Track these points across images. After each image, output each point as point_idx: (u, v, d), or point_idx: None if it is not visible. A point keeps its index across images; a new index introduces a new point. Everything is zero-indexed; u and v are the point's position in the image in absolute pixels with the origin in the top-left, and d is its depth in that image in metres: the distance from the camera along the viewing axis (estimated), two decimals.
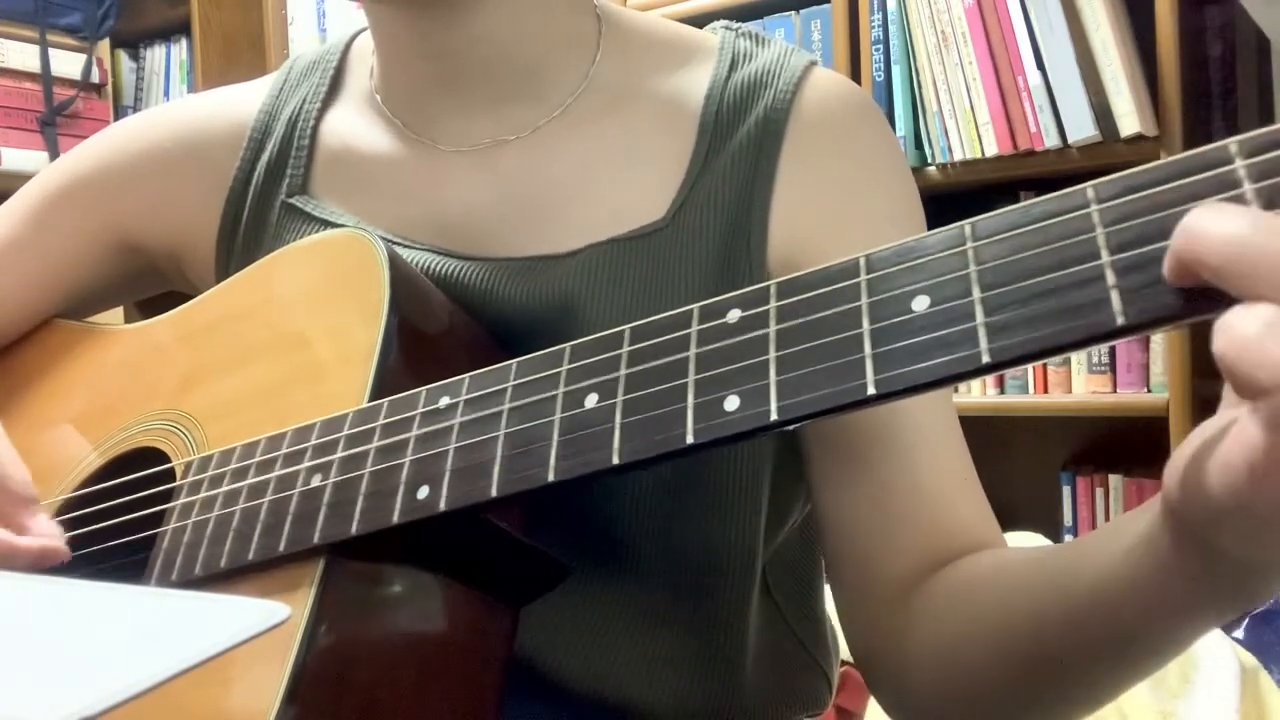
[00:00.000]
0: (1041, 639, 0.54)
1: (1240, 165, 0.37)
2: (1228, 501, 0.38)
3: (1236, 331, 0.34)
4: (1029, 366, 2.01)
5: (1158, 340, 1.90)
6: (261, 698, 0.52)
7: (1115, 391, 1.95)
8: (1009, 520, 1.82)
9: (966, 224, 0.43)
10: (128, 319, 0.89)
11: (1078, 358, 1.98)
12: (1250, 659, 1.38)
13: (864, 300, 0.44)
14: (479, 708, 0.59)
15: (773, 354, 0.45)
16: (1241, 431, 0.36)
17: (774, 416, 0.44)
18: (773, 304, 0.47)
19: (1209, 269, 0.35)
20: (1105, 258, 0.39)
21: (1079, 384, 1.98)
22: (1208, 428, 0.40)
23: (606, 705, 0.69)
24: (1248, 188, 0.36)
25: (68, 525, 0.68)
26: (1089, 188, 0.40)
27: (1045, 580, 0.54)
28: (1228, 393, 0.40)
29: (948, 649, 0.60)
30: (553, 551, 0.60)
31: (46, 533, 0.65)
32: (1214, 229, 0.35)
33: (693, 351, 0.48)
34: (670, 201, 0.69)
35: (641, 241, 0.68)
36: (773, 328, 0.46)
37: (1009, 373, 2.03)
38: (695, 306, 0.49)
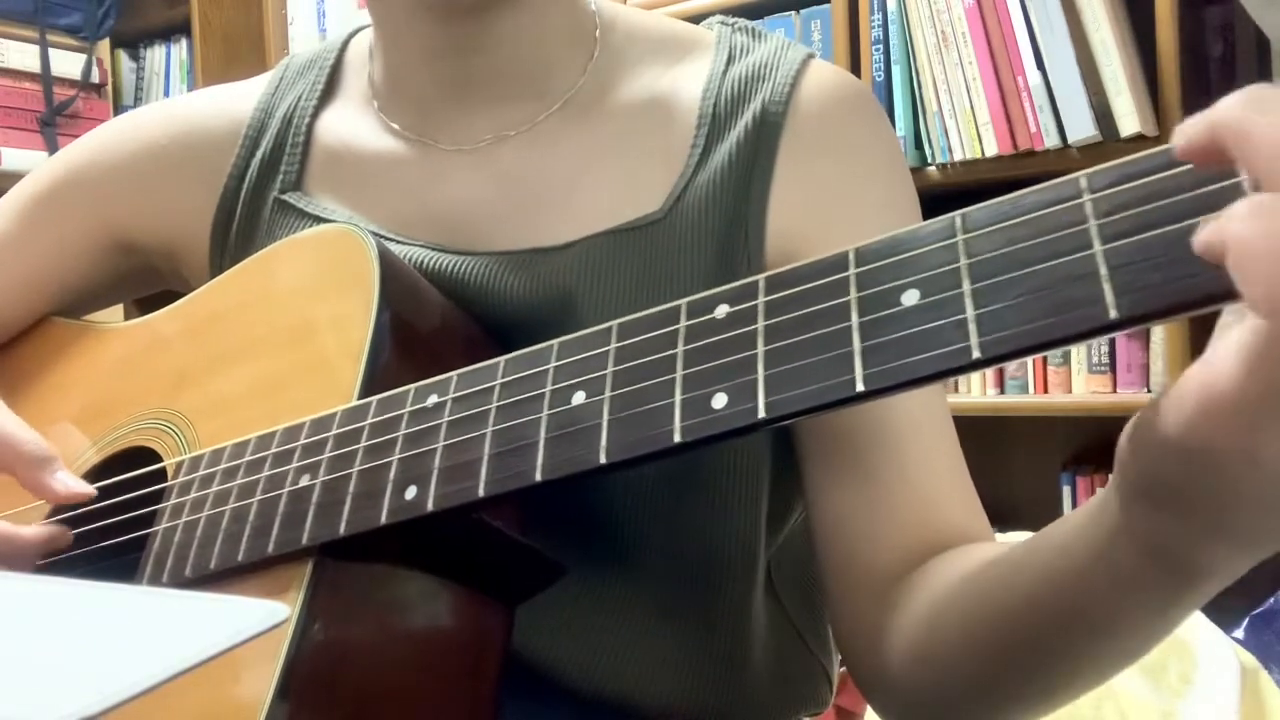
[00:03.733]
0: (1006, 622, 0.53)
1: None
2: (1176, 438, 0.38)
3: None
4: (1029, 366, 2.01)
5: (1158, 340, 1.90)
6: (252, 698, 0.51)
7: (1115, 391, 1.95)
8: (1009, 520, 1.81)
9: (957, 215, 0.43)
10: (127, 317, 0.89)
11: (1078, 357, 1.97)
12: (1250, 659, 1.37)
13: (853, 294, 0.44)
14: (474, 708, 0.59)
15: (761, 349, 0.45)
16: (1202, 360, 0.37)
17: (762, 414, 0.44)
18: (761, 299, 0.46)
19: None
20: (1098, 249, 0.38)
21: (1079, 384, 1.98)
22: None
23: (607, 703, 0.69)
24: (1244, 175, 0.36)
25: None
26: (1081, 177, 0.40)
27: (1009, 566, 0.54)
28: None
29: (925, 639, 0.60)
30: (547, 550, 0.59)
31: (73, 489, 0.65)
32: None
33: (680, 348, 0.47)
34: (667, 194, 0.69)
35: (639, 233, 0.68)
36: (761, 323, 0.46)
37: (1009, 372, 2.03)
38: (683, 302, 0.49)
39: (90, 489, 0.66)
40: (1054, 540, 0.50)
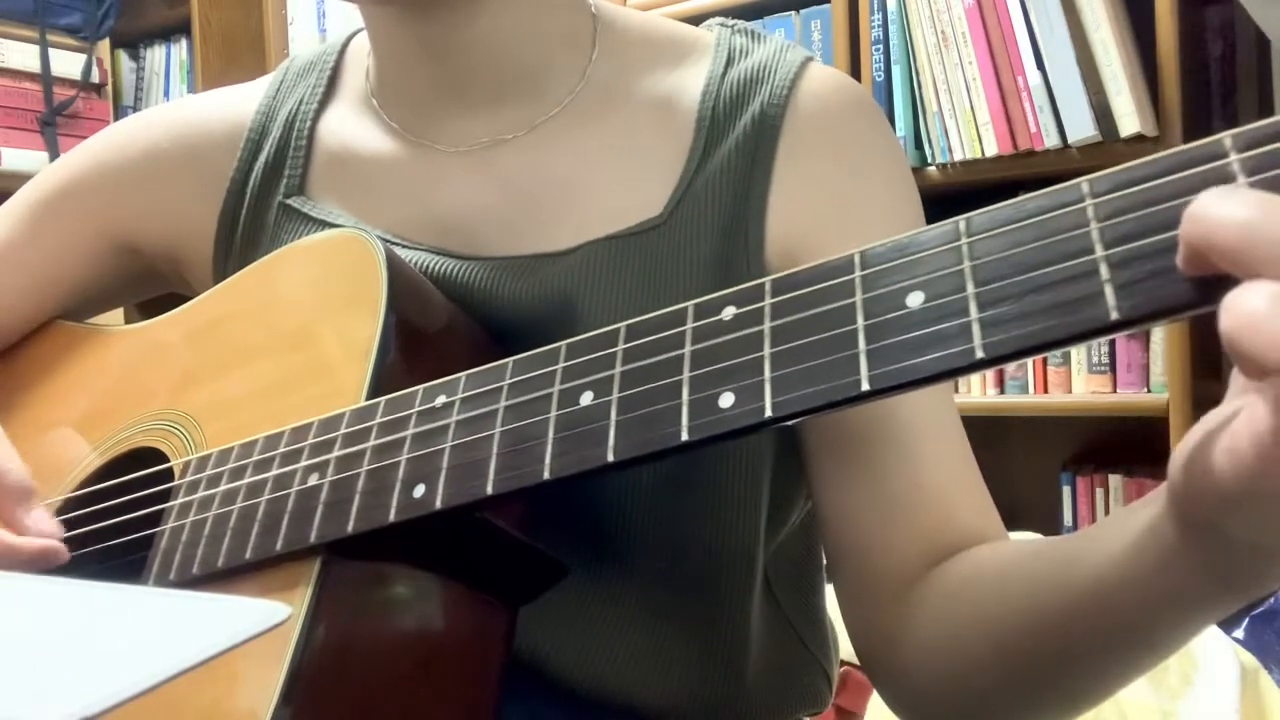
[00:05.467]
0: (1040, 631, 0.54)
1: (1235, 159, 0.37)
2: (1234, 487, 0.38)
3: (1244, 308, 0.33)
4: (1029, 366, 2.01)
5: (1158, 340, 1.90)
6: (258, 697, 0.52)
7: (1115, 391, 1.95)
8: (1009, 520, 1.81)
9: (961, 219, 0.43)
10: (128, 320, 0.89)
11: (1078, 357, 1.97)
12: (1250, 659, 1.38)
13: (858, 296, 0.44)
14: (476, 707, 0.59)
15: (767, 351, 0.45)
16: (1250, 414, 0.36)
17: (769, 413, 0.44)
18: (767, 301, 0.47)
19: (1221, 254, 0.34)
20: (1100, 252, 0.38)
21: (1079, 384, 1.98)
22: (1212, 418, 0.40)
23: (606, 702, 0.69)
24: (1243, 181, 0.36)
25: (67, 525, 0.68)
26: (1084, 182, 0.40)
27: (1045, 573, 0.54)
28: (1235, 380, 0.40)
29: (948, 643, 0.60)
30: (551, 551, 0.60)
31: (44, 529, 0.64)
32: (1225, 215, 0.34)
33: (688, 349, 0.48)
34: (668, 198, 0.69)
35: (639, 238, 0.68)
36: (767, 324, 0.46)
37: (1009, 372, 2.03)
38: (690, 304, 0.49)
39: (58, 530, 0.65)
40: (1102, 551, 0.50)
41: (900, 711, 0.67)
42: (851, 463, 0.66)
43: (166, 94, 3.01)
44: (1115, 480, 2.03)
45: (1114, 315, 0.38)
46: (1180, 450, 0.41)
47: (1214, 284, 0.35)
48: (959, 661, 0.59)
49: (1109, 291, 0.38)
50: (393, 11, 0.71)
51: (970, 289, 0.41)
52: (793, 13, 2.17)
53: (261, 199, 0.78)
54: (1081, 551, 0.52)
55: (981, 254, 0.42)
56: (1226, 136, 0.37)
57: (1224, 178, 0.37)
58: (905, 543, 0.64)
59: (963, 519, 0.65)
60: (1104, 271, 0.38)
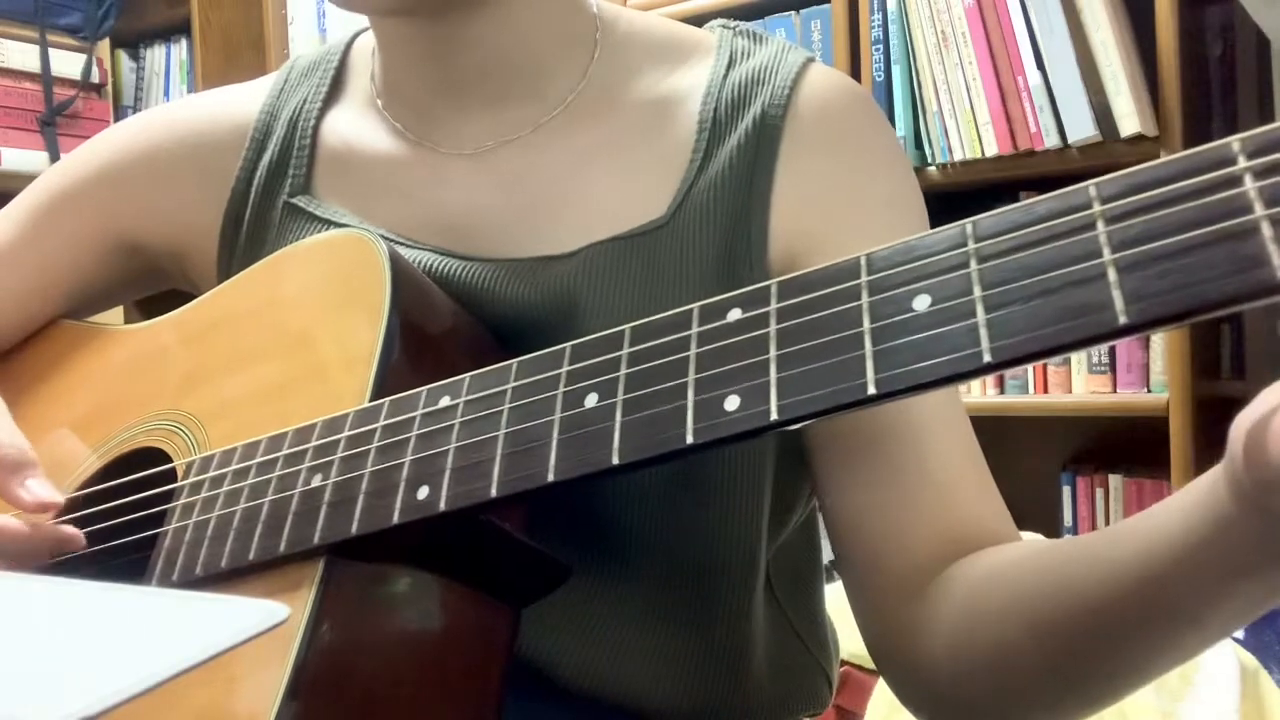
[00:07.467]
0: (1084, 614, 0.53)
1: (1243, 164, 0.37)
2: (1274, 471, 0.38)
3: None
4: (1029, 366, 2.01)
5: (1158, 340, 1.90)
6: (262, 697, 0.52)
7: (1115, 391, 1.95)
8: None
9: (968, 223, 0.43)
10: (127, 318, 0.89)
11: (1078, 357, 1.97)
12: (1250, 659, 1.38)
13: (864, 299, 0.44)
14: (480, 708, 0.59)
15: (773, 353, 0.45)
16: None
17: (774, 416, 0.44)
18: (773, 304, 0.47)
19: None
20: (1107, 256, 0.39)
21: (1079, 384, 1.98)
22: (1275, 390, 0.40)
23: (607, 703, 0.69)
24: (1250, 186, 0.36)
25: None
26: (1091, 186, 0.40)
27: (1087, 555, 0.54)
28: None
29: (980, 634, 0.59)
30: (554, 553, 0.60)
31: (41, 498, 0.64)
32: None
33: (693, 351, 0.48)
34: (670, 199, 0.69)
35: (641, 239, 0.68)
36: (773, 327, 0.46)
37: (1009, 372, 2.04)
38: (695, 306, 0.49)
39: (59, 498, 0.65)
40: (1150, 525, 0.49)
41: (917, 707, 0.66)
42: (862, 463, 0.66)
43: (166, 94, 3.01)
44: (1115, 480, 2.03)
45: (1122, 320, 0.38)
46: (1242, 417, 0.41)
47: (1224, 288, 0.35)
48: (993, 651, 0.59)
49: (1117, 296, 0.38)
50: (395, 11, 0.71)
51: (978, 292, 0.41)
52: (793, 13, 2.17)
53: (266, 198, 0.78)
54: (1126, 532, 0.51)
55: (989, 257, 0.42)
56: (1235, 140, 0.37)
57: (1232, 182, 0.37)
58: (920, 540, 0.64)
59: (977, 515, 0.65)
60: (1112, 275, 0.38)
